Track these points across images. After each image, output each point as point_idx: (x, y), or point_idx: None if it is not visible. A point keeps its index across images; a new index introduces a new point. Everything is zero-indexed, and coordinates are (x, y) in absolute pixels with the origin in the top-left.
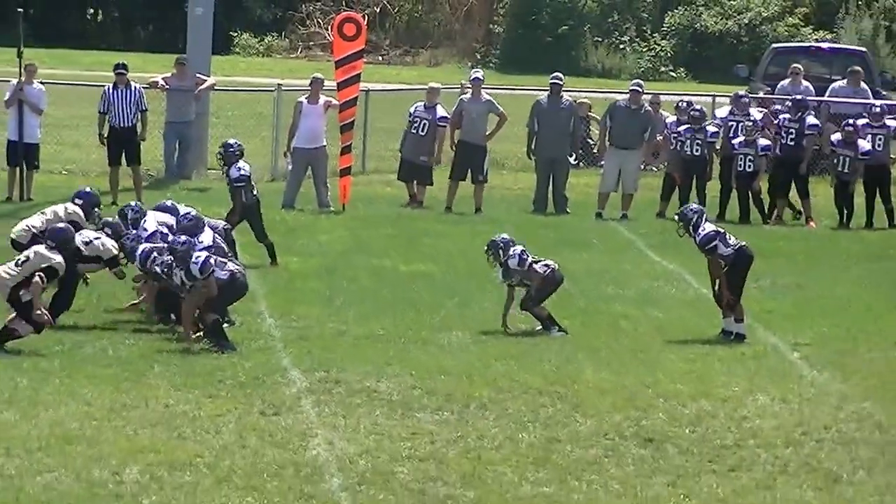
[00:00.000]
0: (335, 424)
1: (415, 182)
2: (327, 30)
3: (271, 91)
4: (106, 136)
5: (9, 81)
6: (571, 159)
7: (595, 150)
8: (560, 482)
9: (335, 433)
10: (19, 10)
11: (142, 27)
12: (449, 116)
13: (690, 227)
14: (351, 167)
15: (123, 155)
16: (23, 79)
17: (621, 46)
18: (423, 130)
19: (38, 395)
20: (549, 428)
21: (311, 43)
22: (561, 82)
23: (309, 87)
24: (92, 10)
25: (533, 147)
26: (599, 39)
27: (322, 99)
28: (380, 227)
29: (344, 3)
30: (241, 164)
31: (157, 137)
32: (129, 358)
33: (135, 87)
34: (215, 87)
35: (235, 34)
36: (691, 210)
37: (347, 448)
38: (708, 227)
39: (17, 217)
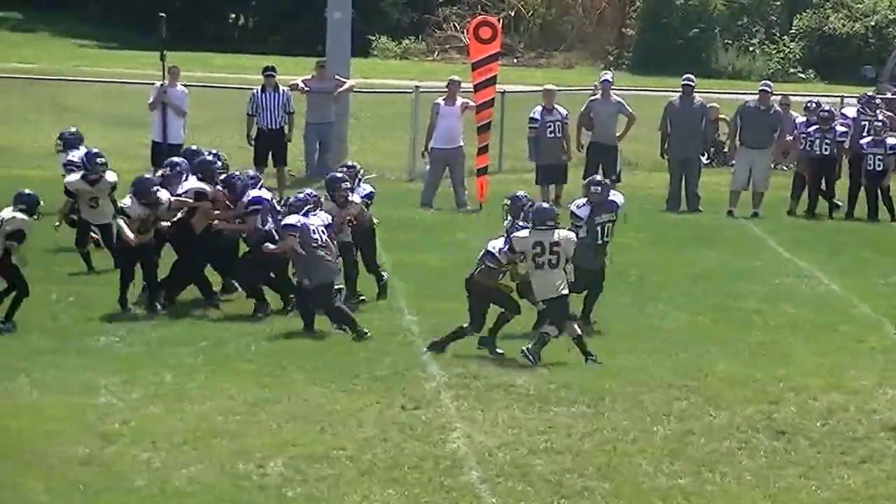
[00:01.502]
0: (474, 418)
1: (551, 185)
2: (463, 33)
3: (409, 93)
4: (254, 137)
5: (153, 84)
6: (703, 159)
7: (726, 150)
8: (694, 474)
9: (474, 426)
10: (162, 14)
11: (281, 31)
12: (567, 114)
13: None
14: (487, 167)
15: (270, 156)
16: (166, 81)
17: (750, 49)
18: (558, 132)
19: (184, 390)
20: (682, 421)
21: (448, 46)
22: (692, 84)
23: (446, 89)
24: (233, 15)
25: (665, 147)
26: (729, 42)
27: (459, 100)
28: None
29: (480, 7)
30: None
31: (297, 138)
32: (271, 353)
33: (282, 90)
34: (354, 89)
35: (373, 38)
36: None
37: (486, 441)
38: None
39: None
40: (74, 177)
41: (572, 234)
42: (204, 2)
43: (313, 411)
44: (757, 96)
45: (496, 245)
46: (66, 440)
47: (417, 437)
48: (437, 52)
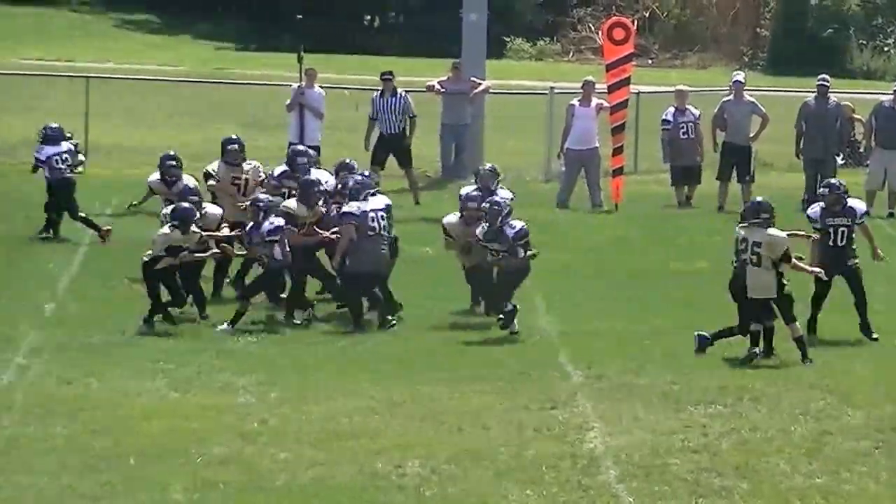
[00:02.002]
0: (610, 417)
1: (685, 185)
2: (598, 34)
3: (544, 94)
4: (376, 140)
5: (290, 86)
6: (838, 159)
7: (861, 150)
8: (832, 473)
9: (611, 426)
10: (299, 17)
11: (417, 32)
12: (700, 115)
13: None
14: (623, 167)
15: (393, 157)
16: (303, 83)
17: (885, 49)
18: (690, 133)
19: (322, 390)
20: (820, 420)
21: (583, 47)
22: (828, 84)
23: (581, 90)
24: (368, 17)
25: (801, 147)
26: (864, 42)
27: (594, 101)
28: (651, 225)
29: (614, 8)
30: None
31: (434, 139)
32: (408, 354)
33: (401, 94)
34: (490, 91)
35: (508, 39)
36: None
37: (623, 440)
38: None
39: None
40: (154, 176)
41: (781, 236)
42: (340, 4)
43: (451, 411)
44: (892, 96)
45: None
46: (207, 440)
47: (554, 436)
48: (571, 53)
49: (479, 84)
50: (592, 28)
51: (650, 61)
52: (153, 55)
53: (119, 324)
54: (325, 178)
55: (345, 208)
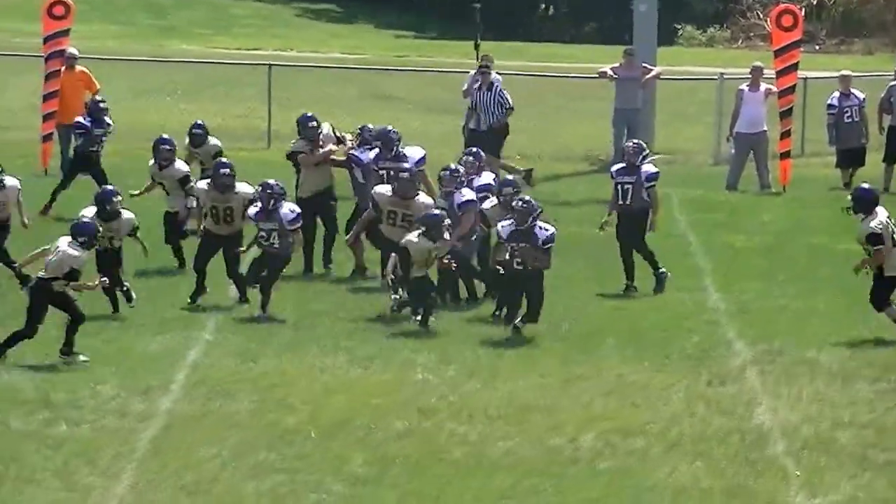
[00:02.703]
0: (778, 393)
1: (850, 167)
2: (766, 21)
3: (714, 80)
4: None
5: (467, 73)
6: None
7: None
8: None
9: (778, 402)
10: (476, 4)
11: (590, 20)
12: (864, 98)
13: None
14: (790, 150)
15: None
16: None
17: None
18: (855, 117)
19: (498, 368)
20: None
21: (752, 34)
22: None
23: (749, 76)
24: (543, 5)
25: None
26: None
27: (762, 86)
28: (818, 207)
29: None
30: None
31: (606, 124)
32: (581, 332)
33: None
34: (660, 77)
35: (679, 26)
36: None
37: (790, 416)
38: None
39: None
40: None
41: None
42: None
43: (623, 387)
44: None
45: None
46: (386, 415)
47: (723, 411)
48: (741, 40)
49: (651, 70)
50: (761, 15)
51: (817, 47)
52: (334, 44)
53: (302, 303)
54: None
55: (466, 196)
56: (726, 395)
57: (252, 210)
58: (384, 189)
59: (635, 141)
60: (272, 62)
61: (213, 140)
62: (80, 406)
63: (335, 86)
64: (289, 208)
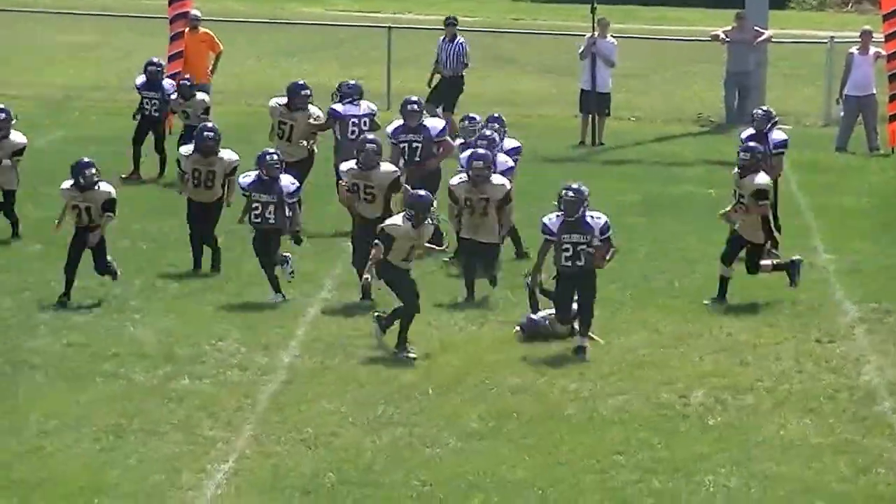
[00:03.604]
0: (886, 351)
1: None
2: None
3: (824, 43)
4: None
5: (583, 35)
6: None
7: None
8: None
9: (886, 360)
10: None
11: None
12: None
13: None
14: None
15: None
16: (596, 33)
17: None
18: None
19: (611, 324)
20: None
21: None
22: None
23: (859, 39)
24: None
25: None
26: None
27: (872, 50)
28: None
29: None
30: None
31: (718, 86)
32: (692, 290)
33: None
34: (772, 40)
35: None
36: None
37: None
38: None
39: (588, 161)
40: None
41: None
42: None
43: (734, 344)
44: None
45: None
46: (501, 371)
47: (832, 369)
48: (850, 4)
49: (762, 33)
50: None
51: None
52: (452, 7)
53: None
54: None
55: (507, 163)
56: (835, 352)
57: (245, 179)
58: (349, 164)
59: (764, 108)
60: (391, 24)
61: (200, 95)
62: (202, 360)
63: None
64: (289, 180)
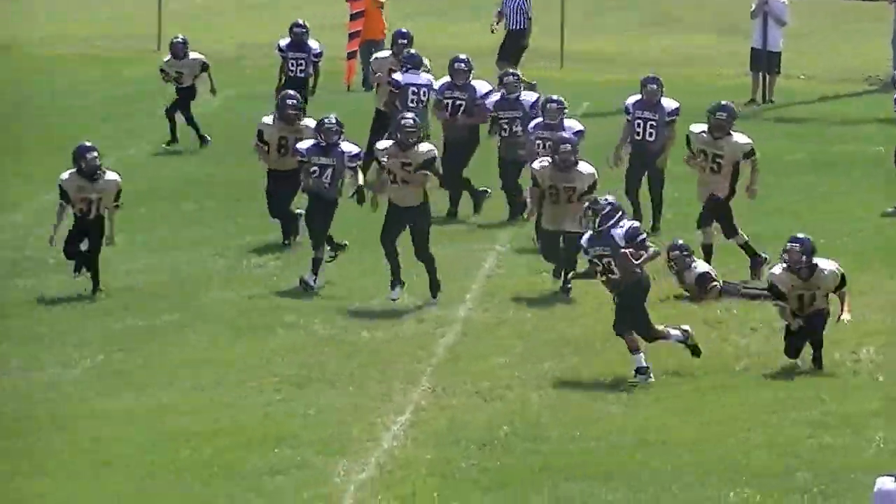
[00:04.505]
0: None
1: None
2: None
3: None
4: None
5: None
6: None
7: None
8: None
9: None
10: None
11: None
12: None
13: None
14: None
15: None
16: None
17: None
18: None
19: None
20: None
21: None
22: None
23: None
24: None
25: None
26: None
27: None
28: None
29: None
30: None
31: (886, 45)
32: (856, 249)
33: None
34: None
35: None
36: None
37: None
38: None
39: (758, 118)
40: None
41: None
42: None
43: None
44: None
45: None
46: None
47: None
48: None
49: None
50: None
51: None
52: None
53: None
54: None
55: (576, 126)
56: None
57: (304, 144)
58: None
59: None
60: None
61: (194, 54)
62: (379, 313)
63: (616, 12)
64: (351, 144)
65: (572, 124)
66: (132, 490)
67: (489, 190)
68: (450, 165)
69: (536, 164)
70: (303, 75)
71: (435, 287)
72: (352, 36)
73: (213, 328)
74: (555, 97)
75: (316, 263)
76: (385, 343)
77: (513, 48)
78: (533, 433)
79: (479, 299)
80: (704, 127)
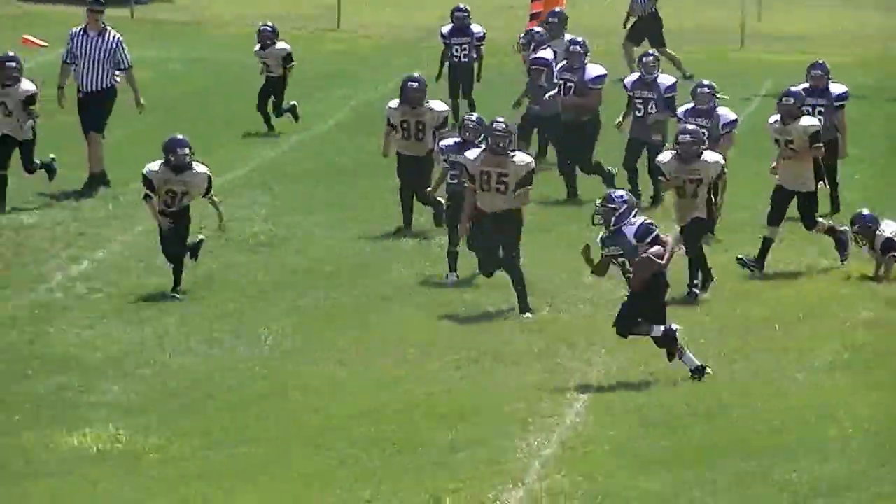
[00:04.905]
0: None
1: None
2: None
3: None
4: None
5: None
6: None
7: None
8: None
9: None
10: None
11: None
12: None
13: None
14: None
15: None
16: None
17: None
18: None
19: None
20: None
21: None
22: None
23: None
24: None
25: None
26: None
27: None
28: None
29: None
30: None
31: None
32: None
33: None
34: None
35: None
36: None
37: None
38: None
39: None
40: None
41: None
42: None
43: None
44: None
45: None
46: (855, 305)
47: None
48: None
49: None
50: None
51: None
52: None
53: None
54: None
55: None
56: None
57: (446, 142)
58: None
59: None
60: None
61: (281, 44)
62: (559, 292)
63: None
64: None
65: (726, 112)
66: (335, 462)
67: (615, 171)
68: (569, 147)
69: (662, 157)
70: (466, 60)
71: (522, 300)
72: (532, 17)
73: (398, 307)
74: (705, 81)
75: (452, 257)
76: (566, 321)
77: (647, 32)
78: (713, 411)
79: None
80: (777, 116)
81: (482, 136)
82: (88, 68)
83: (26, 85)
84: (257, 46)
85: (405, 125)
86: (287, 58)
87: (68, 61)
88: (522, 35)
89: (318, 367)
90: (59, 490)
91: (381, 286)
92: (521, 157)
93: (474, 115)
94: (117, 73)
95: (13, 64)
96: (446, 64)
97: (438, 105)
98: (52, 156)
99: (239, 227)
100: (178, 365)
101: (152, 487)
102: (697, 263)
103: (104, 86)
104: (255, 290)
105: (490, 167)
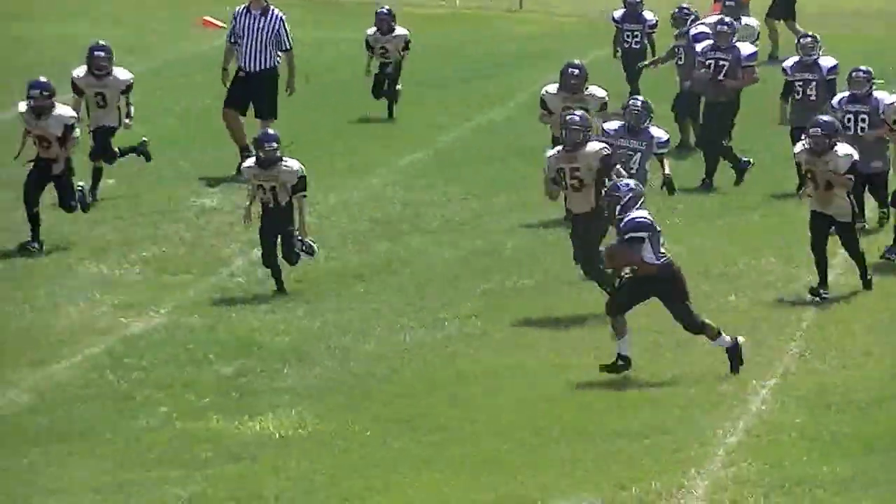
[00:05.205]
0: None
1: None
2: None
3: None
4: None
5: None
6: None
7: None
8: None
9: None
10: None
11: None
12: None
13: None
14: None
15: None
16: None
17: None
18: None
19: None
20: None
21: None
22: None
23: None
24: None
25: None
26: None
27: None
28: None
29: None
30: None
31: None
32: None
33: None
34: None
35: None
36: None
37: None
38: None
39: None
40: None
41: None
42: None
43: None
44: None
45: None
46: None
47: None
48: None
49: None
50: None
51: None
52: None
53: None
54: None
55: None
56: None
57: (610, 125)
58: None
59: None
60: None
61: (400, 30)
62: (742, 278)
63: None
64: (661, 130)
65: (883, 96)
66: (515, 448)
67: (752, 161)
68: (709, 129)
69: (797, 148)
70: (637, 47)
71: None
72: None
73: (583, 292)
74: (862, 67)
75: None
76: (747, 308)
77: (785, 3)
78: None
79: (843, 264)
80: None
81: (646, 121)
82: (251, 48)
83: (122, 74)
84: (373, 30)
85: (565, 111)
86: (406, 44)
87: (231, 41)
88: (677, 10)
89: (501, 352)
90: (244, 477)
91: (565, 270)
92: (592, 146)
93: (639, 100)
94: (279, 53)
95: (102, 53)
96: (619, 50)
97: (598, 91)
98: (144, 137)
99: (422, 210)
100: (360, 350)
101: (336, 474)
102: (860, 262)
103: (267, 66)
104: (438, 273)
105: (564, 164)
